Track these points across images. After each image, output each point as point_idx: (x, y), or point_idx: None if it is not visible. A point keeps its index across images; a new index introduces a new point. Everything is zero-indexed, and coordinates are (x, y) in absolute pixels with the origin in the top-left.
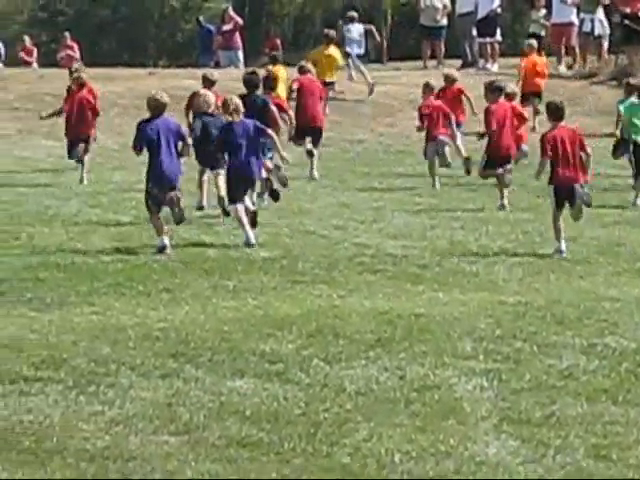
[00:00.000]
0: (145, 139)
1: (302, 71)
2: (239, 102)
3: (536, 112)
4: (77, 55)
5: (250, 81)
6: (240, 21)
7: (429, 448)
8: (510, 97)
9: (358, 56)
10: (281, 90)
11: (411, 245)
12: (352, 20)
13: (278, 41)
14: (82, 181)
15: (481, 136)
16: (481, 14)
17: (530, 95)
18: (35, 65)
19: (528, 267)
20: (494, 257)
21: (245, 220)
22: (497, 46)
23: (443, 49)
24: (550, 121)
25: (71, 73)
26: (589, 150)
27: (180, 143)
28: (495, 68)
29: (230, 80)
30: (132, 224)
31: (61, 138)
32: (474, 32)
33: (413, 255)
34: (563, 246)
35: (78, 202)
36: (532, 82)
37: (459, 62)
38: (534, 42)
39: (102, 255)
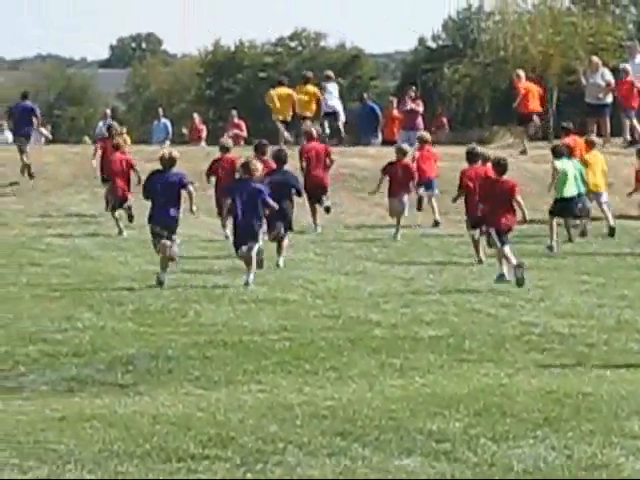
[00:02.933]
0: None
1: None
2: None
3: None
4: (244, 134)
5: (279, 158)
6: (421, 104)
7: None
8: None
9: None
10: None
11: (578, 324)
12: None
13: (445, 120)
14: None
15: None
16: None
17: None
18: (203, 143)
19: None
20: None
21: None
22: None
23: (609, 126)
24: None
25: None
26: None
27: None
28: None
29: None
30: (298, 302)
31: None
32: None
33: (581, 334)
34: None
35: (246, 278)
36: None
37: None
38: None
39: (269, 333)
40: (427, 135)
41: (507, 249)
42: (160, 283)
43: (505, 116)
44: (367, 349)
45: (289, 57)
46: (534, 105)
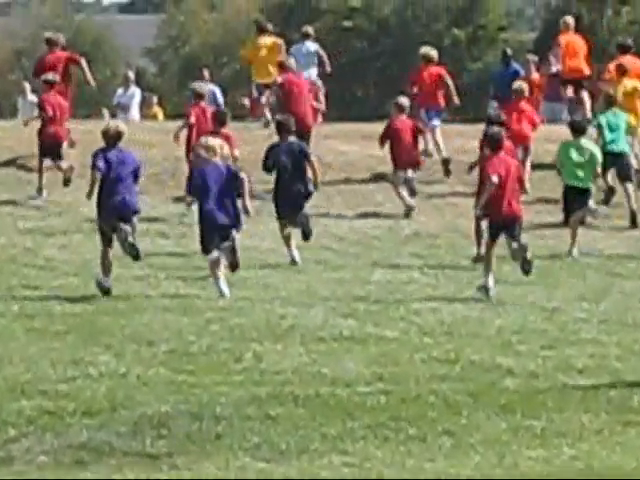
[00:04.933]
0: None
1: None
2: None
3: None
4: (322, 106)
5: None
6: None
7: None
8: None
9: None
10: None
11: None
12: None
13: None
14: None
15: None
16: None
17: None
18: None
19: None
20: None
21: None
22: None
23: None
24: None
25: None
26: None
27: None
28: None
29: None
30: (399, 341)
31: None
32: None
33: None
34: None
35: (324, 310)
36: None
37: None
38: None
39: (358, 384)
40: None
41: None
42: (104, 290)
43: None
44: (494, 407)
45: None
46: None
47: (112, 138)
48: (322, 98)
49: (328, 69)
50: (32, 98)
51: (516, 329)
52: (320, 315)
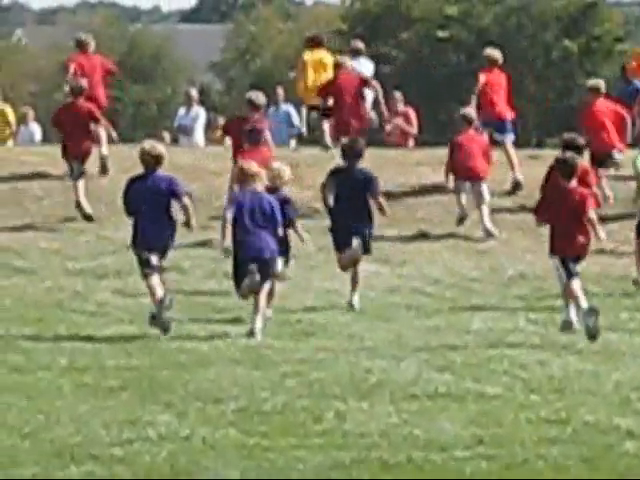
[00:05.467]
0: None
1: None
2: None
3: None
4: (413, 129)
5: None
6: None
7: None
8: None
9: None
10: None
11: None
12: None
13: None
14: None
15: None
16: None
17: None
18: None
19: None
20: None
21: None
22: None
23: None
24: None
25: None
26: None
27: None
28: None
29: None
30: (502, 398)
31: None
32: None
33: None
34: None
35: (417, 362)
36: None
37: None
38: None
39: (455, 448)
40: None
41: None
42: (164, 329)
43: None
44: (612, 473)
45: (485, 6)
46: None
47: (147, 162)
48: (414, 119)
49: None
50: None
51: (636, 384)
52: (412, 369)
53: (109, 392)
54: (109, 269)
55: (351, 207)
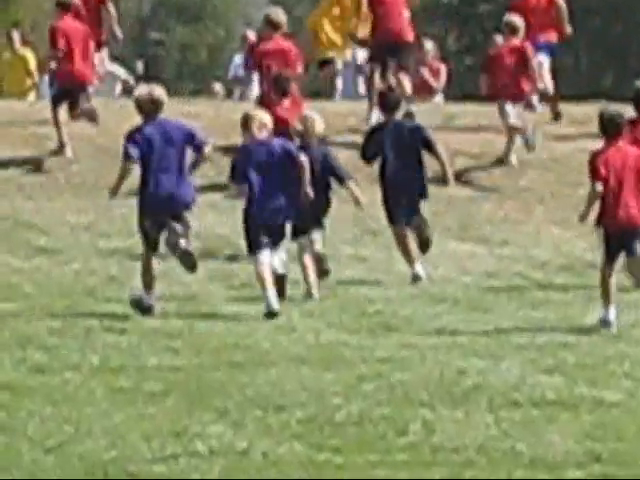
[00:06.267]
0: None
1: None
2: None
3: None
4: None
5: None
6: None
7: None
8: None
9: None
10: None
11: None
12: None
13: None
14: None
15: None
16: None
17: None
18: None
19: None
20: None
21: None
22: None
23: None
24: None
25: None
26: None
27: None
28: None
29: None
30: (623, 406)
31: None
32: None
33: None
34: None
35: (520, 363)
36: None
37: None
38: None
39: (566, 466)
40: None
41: None
42: (144, 309)
43: None
44: None
45: None
46: None
47: (147, 109)
48: (443, 75)
49: None
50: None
51: None
52: (514, 370)
53: (150, 397)
54: None
55: (401, 165)
